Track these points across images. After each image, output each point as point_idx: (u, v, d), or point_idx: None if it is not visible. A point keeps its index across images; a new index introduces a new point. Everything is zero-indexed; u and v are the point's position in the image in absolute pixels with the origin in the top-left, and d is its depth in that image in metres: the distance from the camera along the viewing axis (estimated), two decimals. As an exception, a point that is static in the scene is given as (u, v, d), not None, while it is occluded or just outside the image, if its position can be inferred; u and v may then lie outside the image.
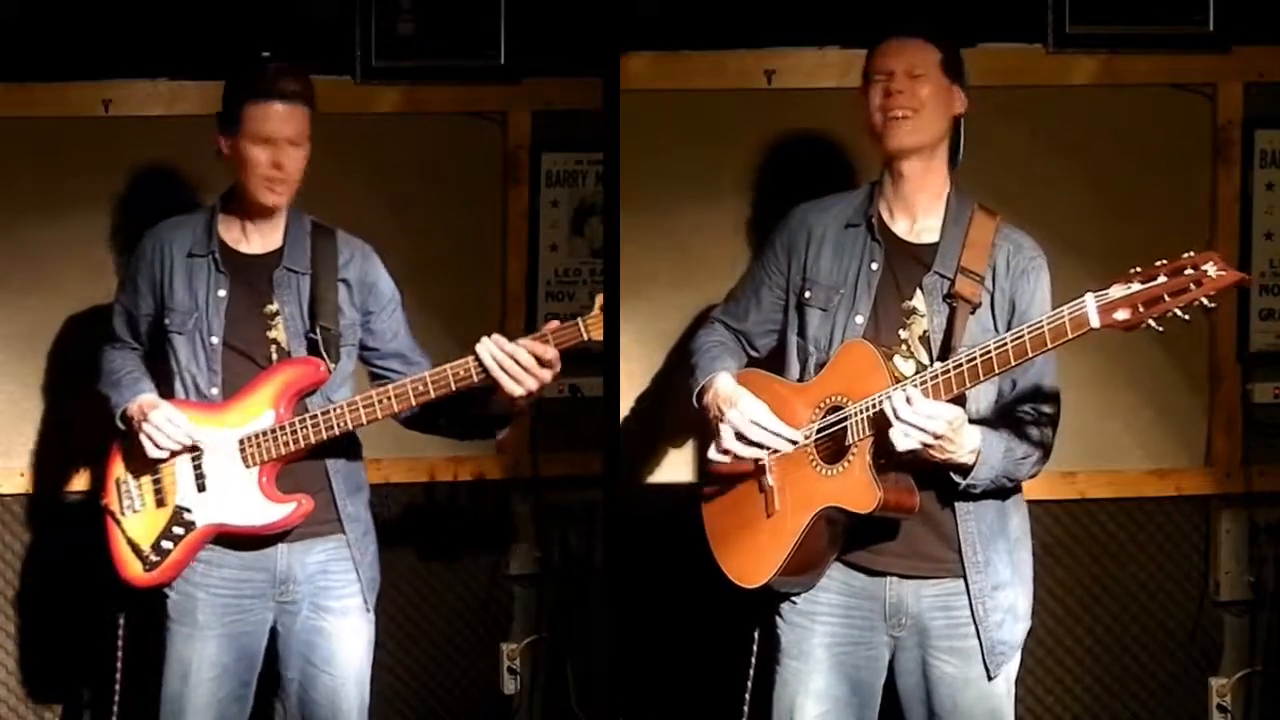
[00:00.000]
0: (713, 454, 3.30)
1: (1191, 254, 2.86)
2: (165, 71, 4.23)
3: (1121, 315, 2.89)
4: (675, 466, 4.19)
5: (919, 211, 3.29)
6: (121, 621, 3.66)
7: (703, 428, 3.45)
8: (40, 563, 4.30)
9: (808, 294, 3.33)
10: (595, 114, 4.00)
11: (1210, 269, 2.83)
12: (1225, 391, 4.24)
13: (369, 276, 3.60)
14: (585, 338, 3.37)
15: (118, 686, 3.68)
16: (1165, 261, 2.88)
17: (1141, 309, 2.88)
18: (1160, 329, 2.89)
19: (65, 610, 4.23)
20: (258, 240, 3.55)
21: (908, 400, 3.04)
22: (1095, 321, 2.91)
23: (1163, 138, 4.21)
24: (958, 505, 3.23)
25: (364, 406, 3.41)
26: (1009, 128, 4.08)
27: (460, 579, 4.49)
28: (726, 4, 4.13)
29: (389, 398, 3.41)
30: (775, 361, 3.42)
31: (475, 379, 3.38)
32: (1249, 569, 4.27)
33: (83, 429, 3.98)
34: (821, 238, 3.34)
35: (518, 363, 3.34)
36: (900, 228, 3.30)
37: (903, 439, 3.04)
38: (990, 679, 3.26)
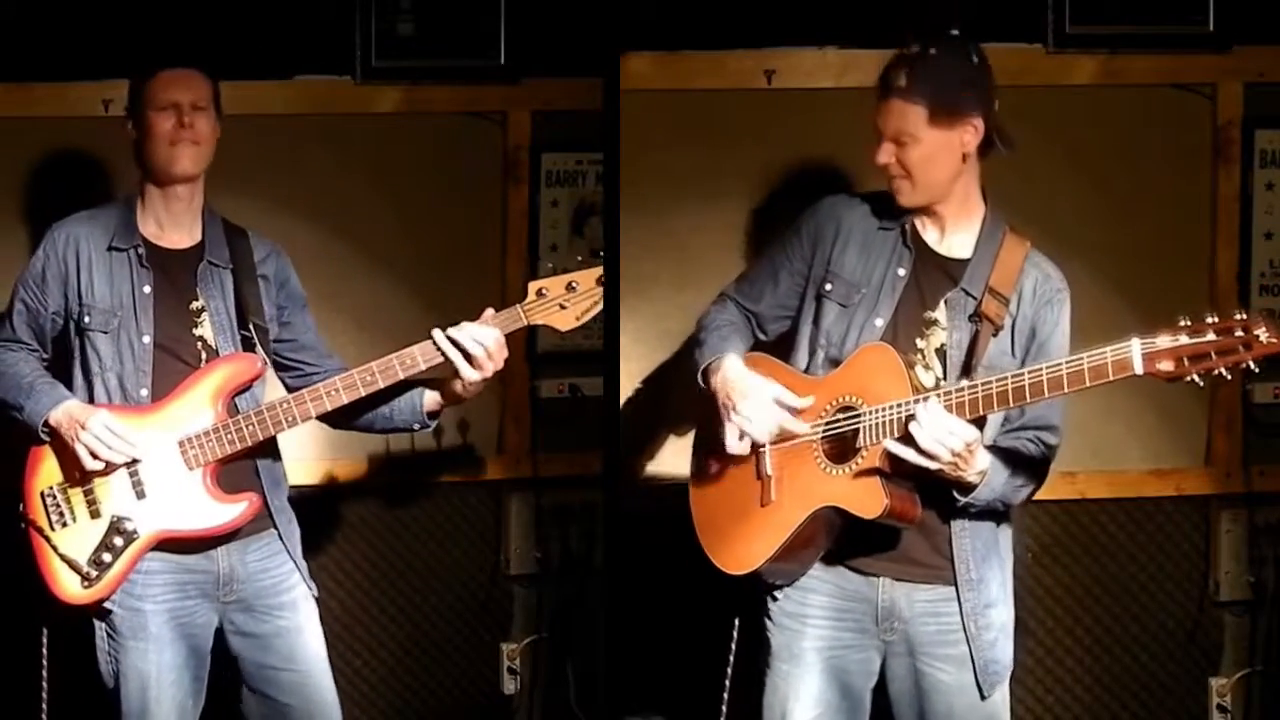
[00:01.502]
0: (731, 446, 3.25)
1: (1243, 316, 2.84)
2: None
3: (1165, 366, 2.87)
4: (675, 466, 4.19)
5: (952, 226, 3.27)
6: (45, 639, 3.54)
7: (702, 416, 3.43)
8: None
9: (828, 286, 3.30)
10: (595, 114, 4.00)
11: (1262, 334, 2.81)
12: (1225, 391, 4.23)
13: (283, 274, 3.58)
14: (525, 321, 3.38)
15: (44, 703, 3.59)
16: (1215, 319, 2.85)
17: (1187, 363, 2.85)
18: (1202, 384, 2.87)
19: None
20: (175, 235, 3.48)
21: (937, 413, 3.03)
22: (1139, 368, 2.88)
23: (1163, 138, 4.21)
24: (954, 522, 3.22)
25: (312, 400, 3.38)
26: (1009, 128, 4.06)
27: (460, 579, 4.49)
28: (726, 4, 4.13)
29: (336, 389, 3.38)
30: (782, 347, 3.40)
31: (422, 366, 3.38)
32: (1249, 569, 4.27)
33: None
34: (850, 232, 3.31)
35: (480, 344, 3.34)
36: (931, 237, 3.28)
37: (928, 445, 3.02)
38: (984, 698, 3.25)
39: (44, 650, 3.55)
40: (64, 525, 3.39)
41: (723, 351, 3.33)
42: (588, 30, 4.08)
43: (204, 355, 3.44)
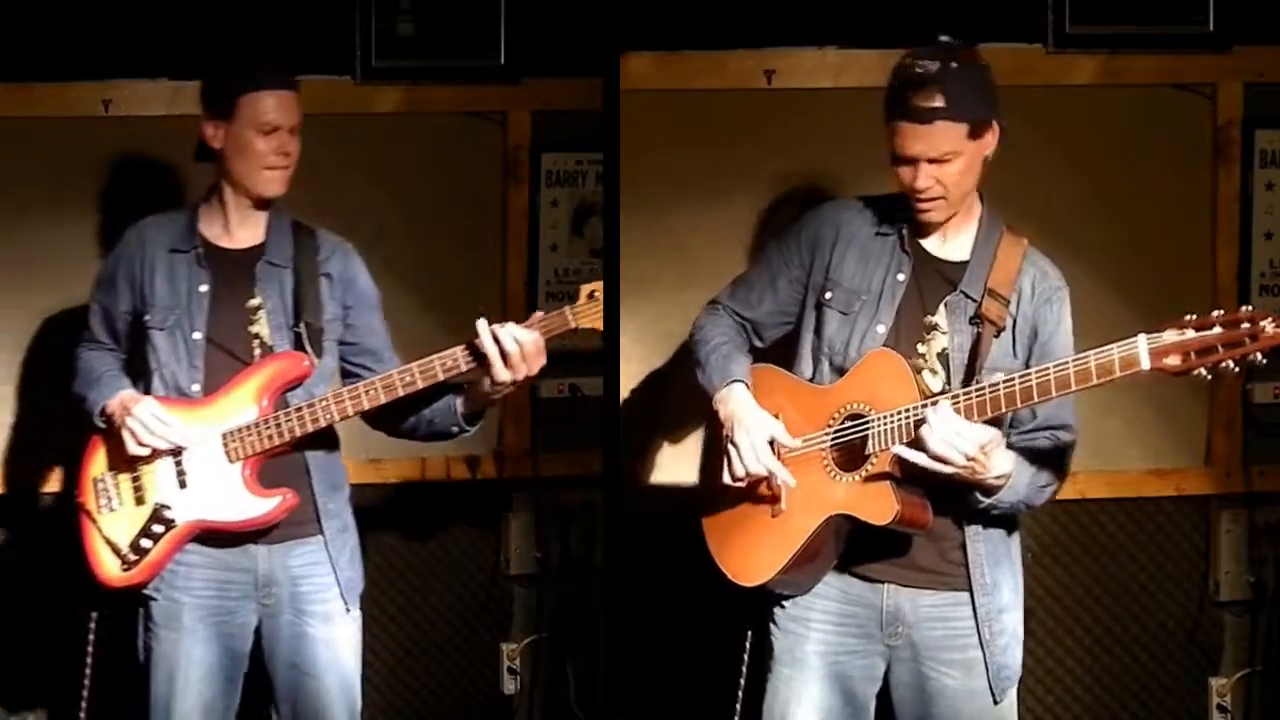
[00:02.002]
0: (726, 479, 3.25)
1: (1250, 308, 2.85)
2: (165, 71, 4.23)
3: (1173, 361, 2.87)
4: (675, 466, 4.19)
5: (950, 229, 3.26)
6: (93, 622, 3.63)
7: (705, 425, 3.43)
8: (9, 563, 4.26)
9: (828, 295, 3.29)
10: (595, 114, 4.00)
11: (1268, 326, 2.82)
12: (1225, 391, 4.23)
13: (349, 272, 3.57)
14: (573, 325, 3.36)
15: (86, 686, 3.66)
16: (1221, 311, 2.86)
17: (1194, 357, 2.85)
18: (1209, 377, 2.87)
19: (36, 611, 4.19)
20: (240, 236, 3.52)
21: (946, 416, 3.02)
22: (1146, 364, 2.88)
23: (1163, 138, 4.21)
24: (968, 527, 3.20)
25: (350, 398, 3.40)
26: (1009, 128, 4.06)
27: (460, 579, 4.49)
28: (726, 4, 4.13)
29: (375, 389, 3.39)
30: (786, 356, 3.39)
31: (463, 368, 3.36)
32: (1249, 569, 4.27)
33: (55, 429, 4.01)
34: (849, 239, 3.30)
35: (519, 344, 3.31)
36: (931, 242, 3.27)
37: (939, 449, 3.01)
38: (996, 703, 3.24)
39: (90, 634, 3.64)
40: (110, 510, 3.47)
41: (728, 375, 3.32)
42: (588, 30, 4.08)
43: (259, 352, 3.47)
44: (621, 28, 4.05)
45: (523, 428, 4.46)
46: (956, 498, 3.15)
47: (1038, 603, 4.19)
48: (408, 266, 4.34)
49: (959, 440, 3.01)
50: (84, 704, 3.68)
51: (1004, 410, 3.04)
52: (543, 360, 3.35)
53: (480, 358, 3.34)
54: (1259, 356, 2.84)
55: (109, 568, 3.46)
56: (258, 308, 3.48)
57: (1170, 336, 2.87)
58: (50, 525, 4.00)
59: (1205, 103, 4.20)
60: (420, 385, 3.37)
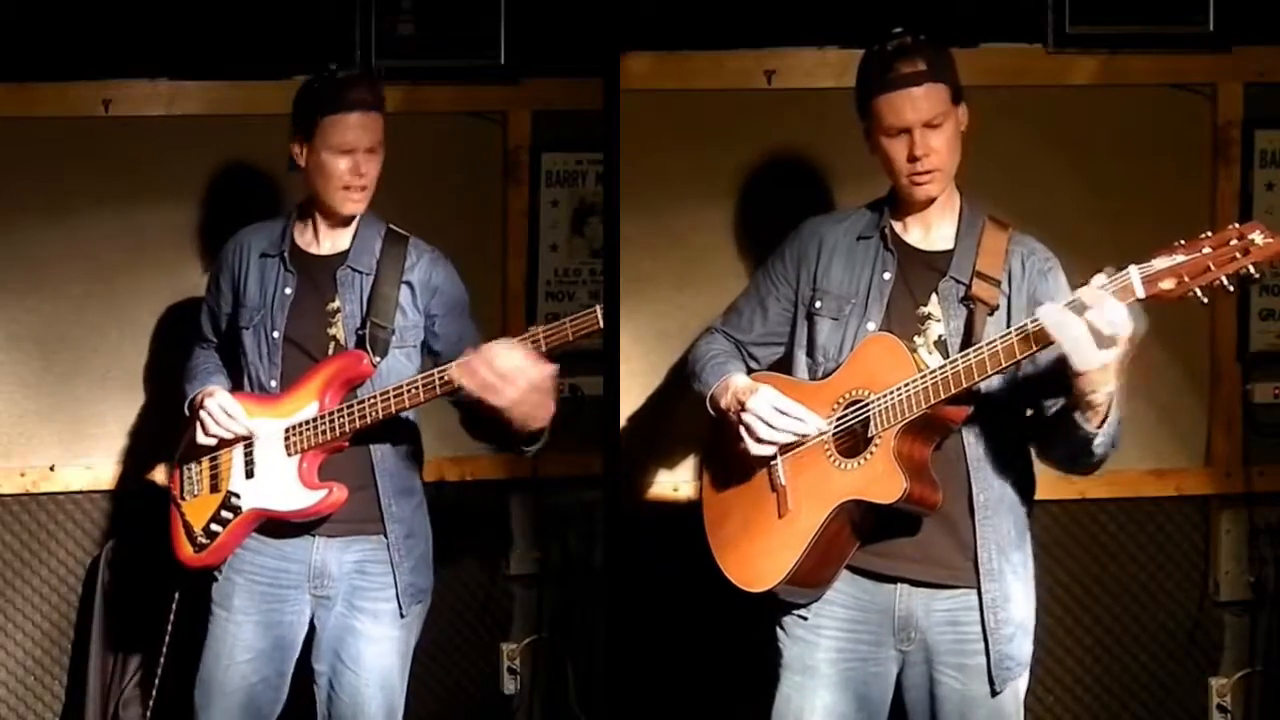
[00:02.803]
0: (753, 449, 3.24)
1: (1237, 225, 2.86)
2: (165, 71, 4.23)
3: (1167, 285, 2.87)
4: (675, 466, 4.19)
5: (932, 221, 3.28)
6: (175, 599, 3.86)
7: (710, 436, 3.43)
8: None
9: (818, 304, 3.31)
10: (595, 114, 4.00)
11: (1257, 236, 2.83)
12: (1225, 391, 4.24)
13: (434, 280, 3.62)
14: (570, 337, 3.34)
15: (162, 659, 3.92)
16: (1210, 233, 2.87)
17: (1187, 279, 2.86)
18: (1205, 300, 2.88)
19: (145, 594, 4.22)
20: (328, 242, 3.62)
21: (1102, 295, 2.89)
22: (1140, 291, 2.88)
23: (1163, 138, 4.21)
24: (978, 511, 3.20)
25: (394, 396, 3.45)
26: (1009, 128, 4.08)
27: (460, 579, 4.49)
28: (726, 4, 4.13)
29: (416, 387, 3.43)
30: (778, 368, 3.41)
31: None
32: (1249, 569, 4.27)
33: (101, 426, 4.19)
34: (833, 248, 3.32)
35: (494, 369, 3.29)
36: (913, 237, 3.29)
37: (1105, 328, 2.88)
38: (995, 694, 3.22)
39: (172, 611, 3.90)
40: (193, 495, 3.65)
41: (725, 374, 3.35)
42: (588, 30, 4.08)
43: (333, 353, 3.57)
44: (621, 28, 4.05)
45: (523, 428, 4.46)
46: (966, 484, 3.16)
47: (1038, 603, 4.18)
48: (408, 266, 4.34)
49: (1119, 321, 2.89)
50: (159, 674, 3.94)
51: (1019, 357, 3.00)
52: (526, 376, 3.29)
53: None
54: (1252, 269, 2.84)
55: (186, 549, 3.64)
56: (336, 311, 3.57)
57: (1161, 263, 2.87)
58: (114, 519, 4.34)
59: (1205, 103, 4.20)
60: (456, 385, 3.37)
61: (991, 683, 3.22)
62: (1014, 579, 3.24)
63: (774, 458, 3.26)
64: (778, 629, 3.32)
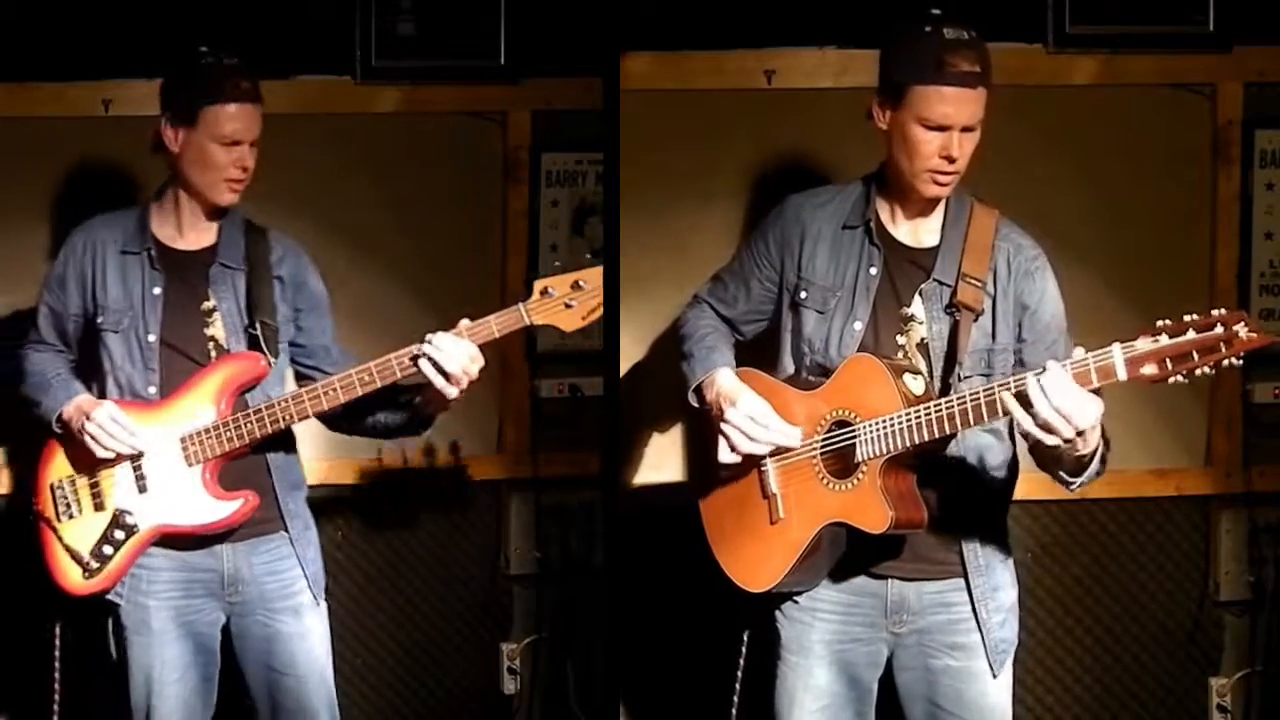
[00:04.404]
0: (724, 456, 3.25)
1: (1222, 311, 2.82)
2: (165, 71, 4.22)
3: (1149, 370, 2.84)
4: (675, 466, 4.19)
5: (923, 214, 3.26)
6: (58, 631, 3.60)
7: (698, 426, 3.43)
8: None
9: (803, 294, 3.29)
10: (595, 114, 4.00)
11: (1241, 330, 2.79)
12: (1225, 391, 4.23)
13: (300, 275, 3.58)
14: (527, 322, 3.34)
15: (56, 695, 3.63)
16: (1195, 316, 2.83)
17: (1169, 364, 2.83)
18: (1187, 381, 2.86)
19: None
20: (192, 237, 3.52)
21: (1060, 382, 2.88)
22: (1123, 374, 2.86)
23: (1163, 138, 4.21)
24: (964, 508, 3.22)
25: (310, 399, 3.39)
26: (1009, 128, 4.05)
27: (460, 579, 4.49)
28: (726, 4, 4.13)
29: (335, 389, 3.38)
30: (766, 355, 3.40)
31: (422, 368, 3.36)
32: (1249, 569, 4.27)
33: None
34: (817, 236, 3.29)
35: (458, 363, 3.31)
36: (900, 231, 3.26)
37: (1050, 417, 2.88)
38: (994, 676, 3.28)
39: (56, 645, 3.61)
40: (70, 517, 3.46)
41: (712, 365, 3.33)
42: (588, 30, 4.08)
43: (214, 354, 3.47)
44: (621, 27, 4.04)
45: (522, 427, 4.46)
46: (950, 485, 3.17)
47: (1038, 603, 4.19)
48: (408, 266, 4.34)
49: (1075, 413, 2.89)
50: (55, 713, 3.64)
51: (985, 421, 3.00)
52: (479, 365, 3.32)
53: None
54: (1234, 361, 2.82)
55: (71, 576, 3.44)
56: (212, 310, 3.48)
57: (1144, 345, 2.84)
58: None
59: (1205, 103, 4.20)
60: (378, 384, 3.36)
61: (990, 665, 3.27)
62: (999, 569, 3.29)
63: (763, 462, 3.26)
64: (775, 612, 3.35)
